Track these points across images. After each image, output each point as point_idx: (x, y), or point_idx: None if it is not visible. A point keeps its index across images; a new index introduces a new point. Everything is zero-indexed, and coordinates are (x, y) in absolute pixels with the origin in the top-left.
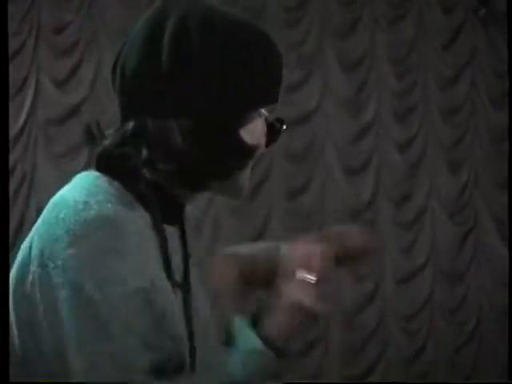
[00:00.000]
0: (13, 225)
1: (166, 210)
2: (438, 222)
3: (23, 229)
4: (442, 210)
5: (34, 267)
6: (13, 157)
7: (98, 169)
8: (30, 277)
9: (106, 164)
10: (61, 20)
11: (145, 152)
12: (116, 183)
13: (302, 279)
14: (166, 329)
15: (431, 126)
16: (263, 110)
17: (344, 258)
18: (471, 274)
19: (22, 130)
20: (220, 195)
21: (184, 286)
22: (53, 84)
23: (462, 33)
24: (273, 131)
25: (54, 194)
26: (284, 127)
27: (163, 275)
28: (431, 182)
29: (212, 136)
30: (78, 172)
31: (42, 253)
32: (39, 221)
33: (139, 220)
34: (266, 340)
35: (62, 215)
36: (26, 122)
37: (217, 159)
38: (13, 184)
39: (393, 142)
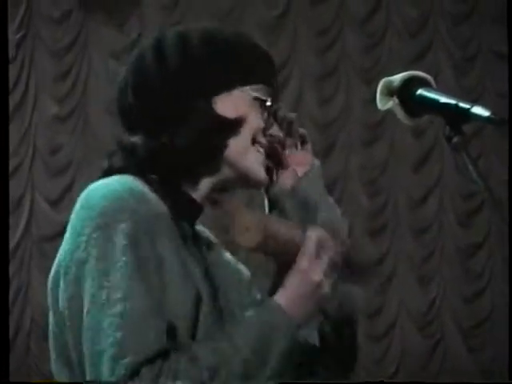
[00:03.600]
0: (11, 333)
1: (178, 204)
2: (407, 334)
3: (18, 337)
4: (411, 324)
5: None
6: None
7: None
8: (62, 271)
9: (118, 168)
10: (56, 142)
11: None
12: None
13: (324, 262)
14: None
15: (401, 244)
16: (248, 91)
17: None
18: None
19: (17, 245)
20: (238, 186)
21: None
22: (47, 203)
23: (431, 156)
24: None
25: (47, 305)
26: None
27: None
28: (401, 296)
29: (190, 121)
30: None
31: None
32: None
33: (159, 205)
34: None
35: (89, 201)
36: (19, 242)
37: (200, 140)
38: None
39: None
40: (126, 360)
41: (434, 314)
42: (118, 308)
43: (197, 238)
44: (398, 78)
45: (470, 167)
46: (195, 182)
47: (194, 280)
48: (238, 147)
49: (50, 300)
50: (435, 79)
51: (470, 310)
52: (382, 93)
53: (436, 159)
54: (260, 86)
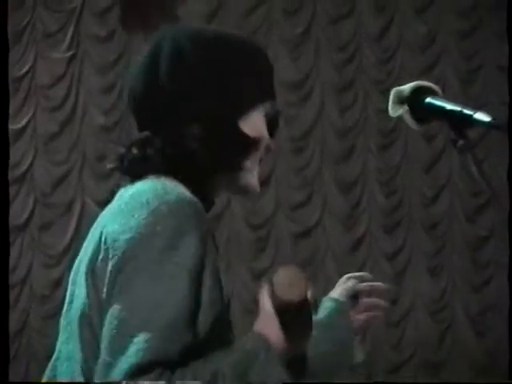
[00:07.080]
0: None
1: (205, 203)
2: (420, 320)
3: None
4: (424, 311)
5: (105, 245)
6: (59, 271)
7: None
8: (101, 255)
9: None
10: (102, 150)
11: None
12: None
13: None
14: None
15: (415, 238)
16: (262, 109)
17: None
18: (450, 365)
19: (68, 247)
20: (232, 192)
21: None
22: (96, 204)
23: (441, 159)
24: (272, 123)
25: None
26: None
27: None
28: (415, 286)
29: (217, 132)
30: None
31: (115, 230)
32: (106, 214)
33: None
34: None
35: (144, 199)
36: (71, 241)
37: (224, 152)
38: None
39: (382, 252)
40: (149, 358)
41: (445, 301)
42: (160, 309)
43: None
44: (407, 88)
45: (474, 168)
46: (212, 185)
47: (222, 286)
48: (249, 165)
49: (85, 283)
50: (442, 90)
51: (478, 297)
52: (393, 101)
53: (445, 161)
54: (269, 103)
